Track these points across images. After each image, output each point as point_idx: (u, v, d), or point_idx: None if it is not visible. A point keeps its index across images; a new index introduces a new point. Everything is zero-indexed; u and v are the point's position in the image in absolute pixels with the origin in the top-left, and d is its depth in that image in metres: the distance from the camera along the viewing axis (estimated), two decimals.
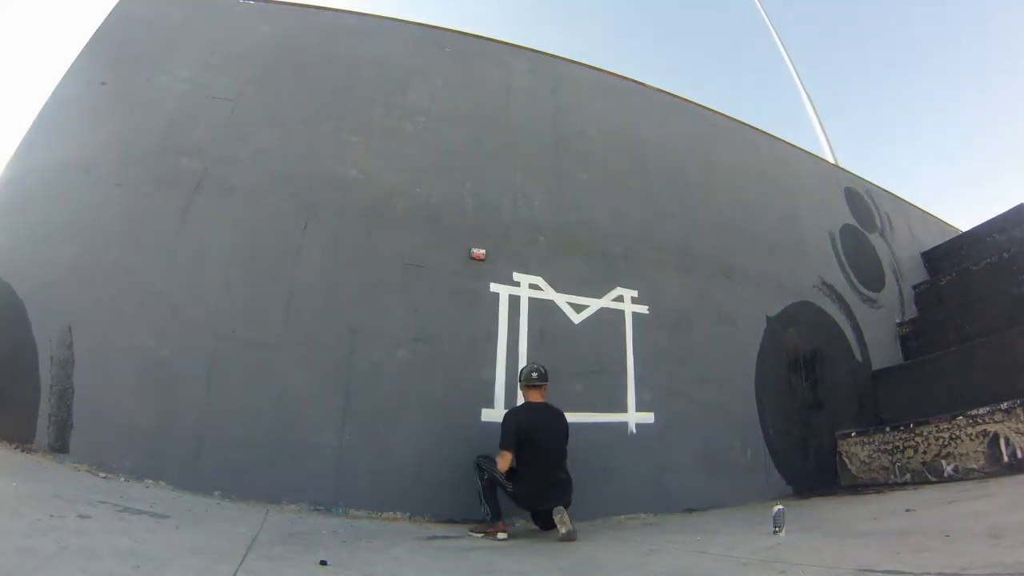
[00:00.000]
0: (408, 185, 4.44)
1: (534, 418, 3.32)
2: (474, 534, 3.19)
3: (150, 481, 3.17)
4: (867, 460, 4.69)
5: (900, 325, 6.24)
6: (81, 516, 2.15)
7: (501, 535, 3.15)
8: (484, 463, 3.32)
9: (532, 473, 3.21)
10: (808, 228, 6.15)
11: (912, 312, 6.48)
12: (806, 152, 7.19)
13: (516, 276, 4.36)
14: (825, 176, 7.08)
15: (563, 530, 3.01)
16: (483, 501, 3.25)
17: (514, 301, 4.27)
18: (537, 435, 3.25)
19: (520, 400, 3.75)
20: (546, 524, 3.24)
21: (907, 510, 3.01)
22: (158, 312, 3.59)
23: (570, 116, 5.41)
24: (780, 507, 2.85)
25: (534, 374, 3.50)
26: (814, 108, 12.79)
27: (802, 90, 13.38)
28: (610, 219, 4.97)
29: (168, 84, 4.40)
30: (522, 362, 4.08)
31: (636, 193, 5.25)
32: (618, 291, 4.66)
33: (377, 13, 5.48)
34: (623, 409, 4.30)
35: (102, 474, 3.11)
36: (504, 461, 3.19)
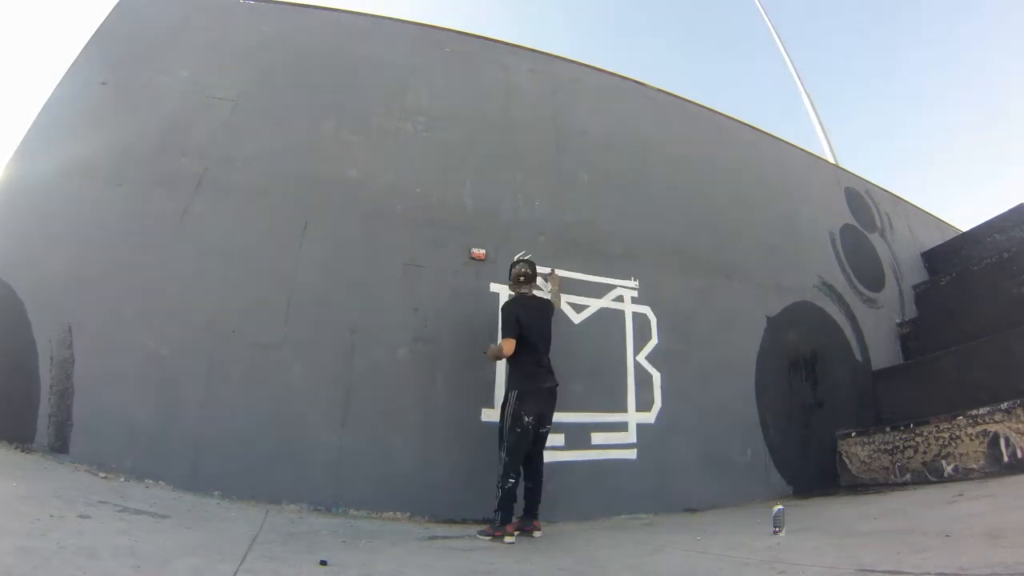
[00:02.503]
0: (408, 185, 4.44)
1: (531, 311, 3.58)
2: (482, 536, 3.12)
3: (150, 481, 3.17)
4: (867, 460, 4.69)
5: (900, 325, 6.23)
6: (81, 516, 2.15)
7: (508, 538, 3.09)
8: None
9: (531, 359, 3.47)
10: (808, 228, 6.15)
11: (912, 312, 6.47)
12: (806, 152, 7.18)
13: None
14: (825, 176, 7.07)
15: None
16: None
17: None
18: (533, 327, 3.52)
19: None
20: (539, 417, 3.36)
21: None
22: (158, 312, 3.59)
23: (570, 116, 5.41)
24: (780, 507, 2.85)
25: (521, 278, 3.70)
26: (814, 108, 12.80)
27: (802, 90, 13.39)
28: (610, 219, 4.96)
29: (168, 84, 4.40)
30: None
31: (636, 193, 5.25)
32: (618, 291, 4.66)
33: (377, 13, 5.47)
34: (623, 409, 4.30)
35: (102, 474, 3.11)
36: (509, 346, 3.42)
